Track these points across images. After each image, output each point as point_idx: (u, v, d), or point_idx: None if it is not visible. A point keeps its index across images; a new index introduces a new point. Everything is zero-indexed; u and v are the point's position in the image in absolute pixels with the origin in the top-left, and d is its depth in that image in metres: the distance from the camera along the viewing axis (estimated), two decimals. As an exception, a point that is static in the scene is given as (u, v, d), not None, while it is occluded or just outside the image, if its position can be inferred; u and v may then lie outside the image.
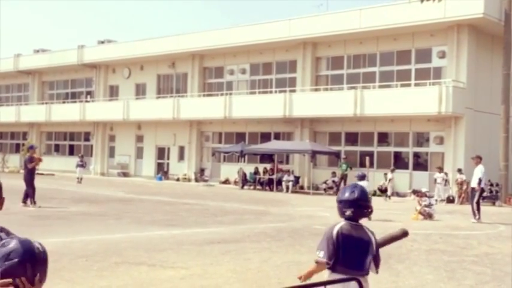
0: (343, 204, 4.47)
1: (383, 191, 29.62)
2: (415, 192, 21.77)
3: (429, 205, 18.99)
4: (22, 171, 43.81)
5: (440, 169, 28.44)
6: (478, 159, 19.38)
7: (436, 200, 21.75)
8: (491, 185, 27.81)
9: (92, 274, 8.36)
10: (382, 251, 11.58)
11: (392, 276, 9.04)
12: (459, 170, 27.45)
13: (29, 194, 18.37)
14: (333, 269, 4.35)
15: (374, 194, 27.85)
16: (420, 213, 18.90)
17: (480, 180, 18.95)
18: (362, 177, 17.90)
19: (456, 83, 28.85)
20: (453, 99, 27.98)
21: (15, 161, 47.83)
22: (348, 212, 4.43)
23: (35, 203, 18.23)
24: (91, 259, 9.51)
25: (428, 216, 18.69)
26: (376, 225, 15.94)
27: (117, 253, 10.23)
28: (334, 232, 4.38)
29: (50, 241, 11.41)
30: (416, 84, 30.40)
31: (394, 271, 9.47)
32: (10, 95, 56.76)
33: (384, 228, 15.28)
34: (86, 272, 8.46)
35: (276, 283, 8.10)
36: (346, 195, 4.47)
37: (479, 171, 19.04)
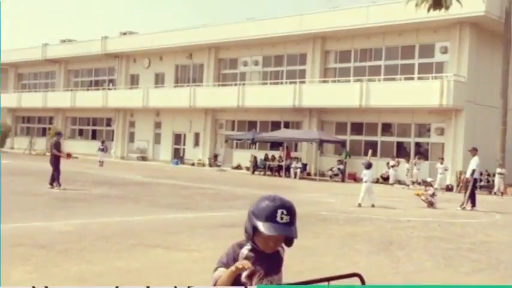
0: None
1: (385, 179, 29.48)
2: (424, 182, 21.70)
3: (433, 195, 18.81)
4: (48, 154, 44.25)
5: (442, 159, 28.19)
6: (474, 151, 19.23)
7: (436, 189, 21.57)
8: (489, 175, 27.57)
9: (110, 255, 8.36)
10: (384, 238, 11.36)
11: (393, 262, 8.98)
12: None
13: (55, 177, 18.43)
14: None
15: (377, 181, 27.73)
16: (424, 201, 18.73)
17: (473, 171, 18.84)
18: (368, 166, 18.43)
19: (457, 77, 28.52)
20: (454, 92, 27.69)
21: (41, 144, 48.10)
22: None
23: (60, 185, 18.29)
24: (110, 240, 9.52)
25: (430, 204, 18.52)
26: (380, 212, 15.89)
27: (135, 235, 10.23)
28: None
29: (73, 222, 11.46)
30: (419, 78, 30.13)
31: (395, 257, 9.40)
32: (38, 82, 56.92)
33: (388, 215, 15.28)
34: (105, 253, 8.47)
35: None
36: None
37: (473, 163, 18.92)
